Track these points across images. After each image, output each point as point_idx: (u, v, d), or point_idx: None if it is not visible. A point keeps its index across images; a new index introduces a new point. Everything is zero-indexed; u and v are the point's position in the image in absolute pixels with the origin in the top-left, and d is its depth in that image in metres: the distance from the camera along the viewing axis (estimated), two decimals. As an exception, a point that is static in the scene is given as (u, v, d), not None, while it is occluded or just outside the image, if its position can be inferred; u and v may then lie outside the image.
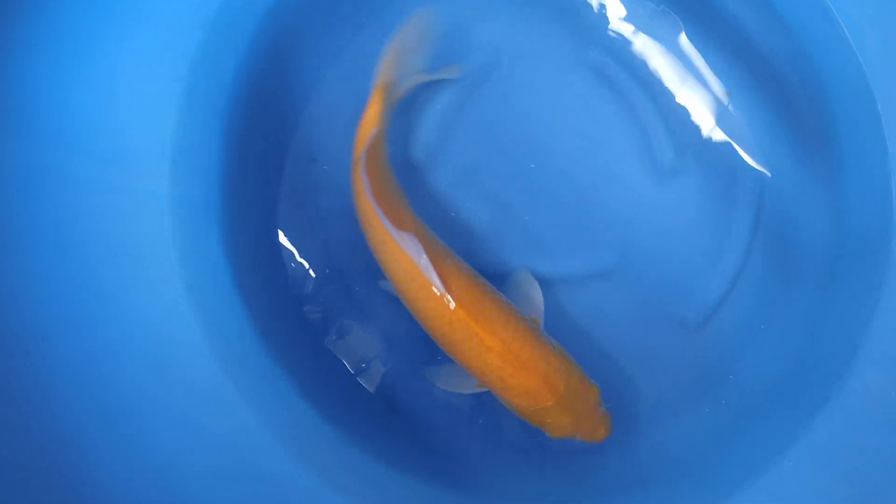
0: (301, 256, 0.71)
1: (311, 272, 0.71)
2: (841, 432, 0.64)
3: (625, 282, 0.73)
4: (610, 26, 0.75)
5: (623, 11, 0.75)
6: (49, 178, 0.60)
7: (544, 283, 0.69)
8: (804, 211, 0.73)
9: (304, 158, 0.70)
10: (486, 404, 0.71)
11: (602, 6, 0.75)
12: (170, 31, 0.62)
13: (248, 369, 0.62)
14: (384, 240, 0.61)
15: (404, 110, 0.72)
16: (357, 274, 0.71)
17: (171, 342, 0.60)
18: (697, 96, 0.75)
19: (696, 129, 0.75)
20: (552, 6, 0.74)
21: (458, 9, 0.73)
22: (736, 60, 0.75)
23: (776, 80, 0.73)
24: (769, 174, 0.75)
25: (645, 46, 0.75)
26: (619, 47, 0.75)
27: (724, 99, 0.75)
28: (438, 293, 0.60)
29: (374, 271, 0.69)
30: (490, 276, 0.66)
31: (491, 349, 0.60)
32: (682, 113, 0.75)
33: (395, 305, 0.70)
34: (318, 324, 0.71)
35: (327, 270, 0.71)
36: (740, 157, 0.75)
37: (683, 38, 0.75)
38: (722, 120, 0.75)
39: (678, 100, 0.75)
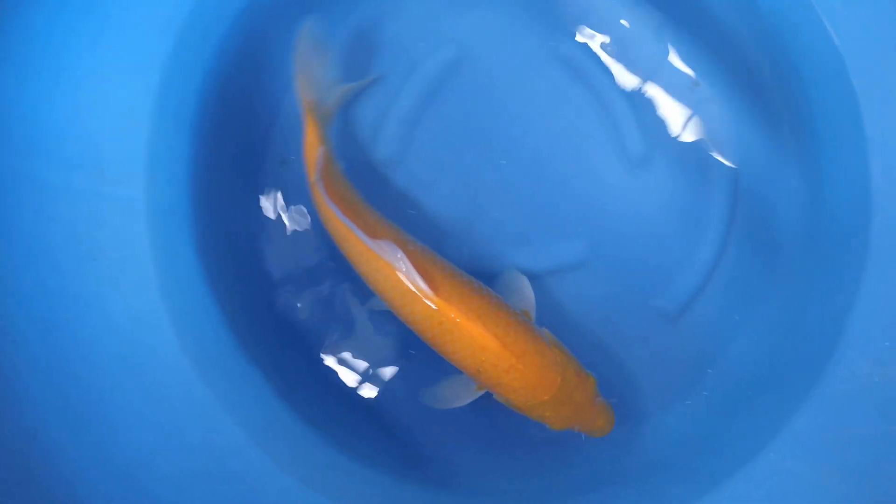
0: (274, 259, 0.71)
1: (284, 274, 0.71)
2: (825, 421, 0.63)
3: (599, 274, 0.73)
4: (578, 18, 0.75)
5: (592, 2, 0.75)
6: (24, 187, 0.60)
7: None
8: (781, 196, 0.73)
9: (276, 161, 0.70)
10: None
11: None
12: (140, 39, 0.62)
13: (222, 371, 0.62)
14: (362, 252, 0.61)
15: (370, 109, 0.72)
16: (329, 275, 0.71)
17: (144, 345, 0.60)
18: (668, 85, 0.75)
19: (667, 118, 0.74)
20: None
21: (423, 4, 0.73)
22: (706, 47, 0.74)
23: (748, 66, 0.73)
24: (743, 161, 0.74)
25: (614, 37, 0.75)
26: (589, 38, 0.74)
27: (695, 87, 0.74)
28: (426, 296, 0.59)
29: (345, 270, 0.70)
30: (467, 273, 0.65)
31: (485, 347, 0.59)
32: (653, 102, 0.75)
33: (371, 302, 0.71)
34: (294, 325, 0.71)
35: (299, 272, 0.71)
36: (713, 144, 0.74)
37: (653, 28, 0.74)
38: (693, 108, 0.75)
39: (648, 89, 0.75)
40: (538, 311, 0.66)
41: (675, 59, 0.75)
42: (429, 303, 0.59)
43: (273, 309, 0.70)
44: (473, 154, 0.73)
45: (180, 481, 0.58)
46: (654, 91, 0.75)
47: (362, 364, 0.71)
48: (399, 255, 0.59)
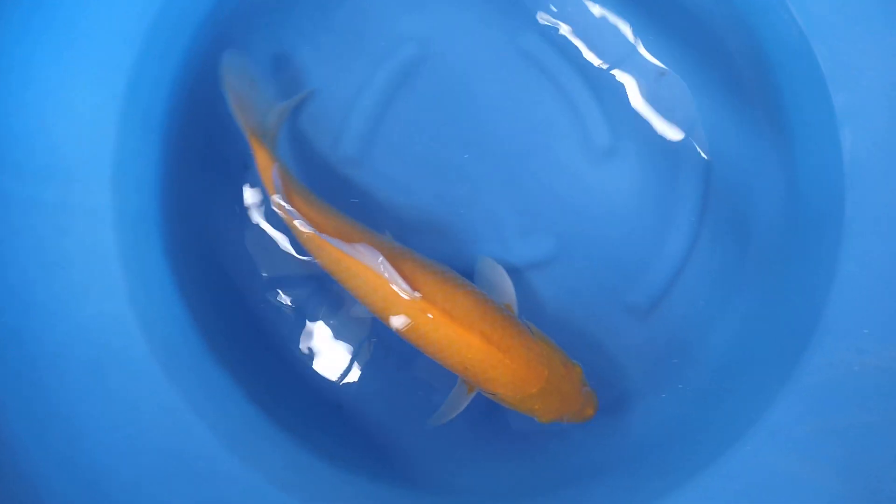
0: (244, 262, 0.72)
1: (254, 278, 0.72)
2: (802, 412, 0.62)
3: (569, 268, 0.72)
4: (541, 9, 0.74)
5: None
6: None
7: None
8: (753, 184, 0.72)
9: (241, 166, 0.70)
10: (440, 399, 0.71)
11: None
12: (105, 49, 0.63)
13: (191, 374, 0.63)
14: (339, 260, 0.61)
15: (333, 109, 0.72)
16: (299, 278, 0.72)
17: (112, 350, 0.61)
18: (634, 75, 0.74)
19: (634, 108, 0.73)
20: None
21: (384, 3, 0.73)
22: (673, 35, 0.73)
23: (716, 53, 0.72)
24: (714, 149, 0.73)
25: (578, 27, 0.74)
26: (552, 30, 0.74)
27: (661, 77, 0.73)
28: (407, 297, 0.59)
29: (314, 273, 0.71)
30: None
31: (471, 344, 0.59)
32: (619, 93, 0.74)
33: (339, 304, 0.71)
34: (264, 329, 0.71)
35: (265, 275, 0.72)
36: (682, 133, 0.73)
37: (618, 17, 0.73)
38: (660, 97, 0.74)
39: (614, 80, 0.74)
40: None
41: (641, 49, 0.74)
42: (411, 302, 0.59)
43: (243, 312, 0.70)
44: (439, 151, 0.73)
45: (147, 483, 0.59)
46: (620, 81, 0.74)
47: (332, 365, 0.71)
48: (378, 258, 0.59)
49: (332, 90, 0.72)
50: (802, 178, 0.68)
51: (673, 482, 0.62)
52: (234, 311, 0.70)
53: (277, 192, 0.62)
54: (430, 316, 0.59)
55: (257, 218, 0.71)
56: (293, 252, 0.71)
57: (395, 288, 0.59)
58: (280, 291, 0.71)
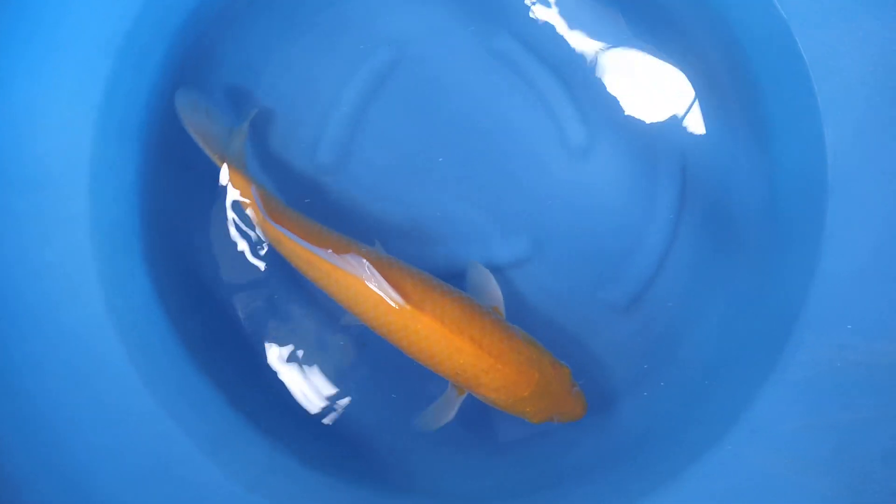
0: (222, 269, 0.72)
1: (232, 284, 0.72)
2: (783, 410, 0.62)
3: (547, 268, 0.72)
4: (514, 10, 0.73)
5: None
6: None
7: (464, 276, 0.68)
8: (732, 179, 0.71)
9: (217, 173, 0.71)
10: (420, 402, 0.70)
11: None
12: (81, 60, 0.64)
13: (169, 380, 0.63)
14: (329, 272, 0.61)
15: (309, 117, 0.72)
16: (277, 284, 0.72)
17: (93, 356, 0.61)
18: (608, 72, 0.73)
19: (609, 106, 0.73)
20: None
21: (358, 4, 0.73)
22: (650, 31, 0.72)
23: (693, 48, 0.71)
24: (691, 145, 0.72)
25: (551, 27, 0.73)
26: (525, 31, 0.73)
27: (636, 73, 0.72)
28: (397, 305, 0.60)
29: (293, 280, 0.71)
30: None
31: (461, 349, 0.60)
32: (594, 91, 0.73)
33: (315, 310, 0.72)
34: (243, 334, 0.71)
35: (247, 282, 0.72)
36: (659, 129, 0.72)
37: (592, 15, 0.73)
38: (635, 94, 0.73)
39: (588, 78, 0.73)
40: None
41: (616, 46, 0.73)
42: (401, 310, 0.60)
43: (221, 318, 0.70)
44: (415, 155, 0.73)
45: (127, 489, 0.60)
46: (594, 79, 0.73)
47: (313, 371, 0.71)
48: (367, 268, 0.60)
49: (305, 97, 0.73)
50: (783, 172, 0.66)
51: (655, 482, 0.62)
52: (213, 317, 0.70)
53: (262, 211, 0.63)
54: (421, 324, 0.60)
55: (239, 225, 0.72)
56: (272, 260, 0.71)
57: (384, 297, 0.60)
58: (258, 297, 0.72)
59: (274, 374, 0.70)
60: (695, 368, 0.68)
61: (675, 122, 0.72)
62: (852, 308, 0.61)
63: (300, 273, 0.64)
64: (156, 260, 0.67)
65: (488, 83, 0.73)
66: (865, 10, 0.62)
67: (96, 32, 0.64)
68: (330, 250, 0.60)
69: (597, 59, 0.73)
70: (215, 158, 0.66)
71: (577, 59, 0.73)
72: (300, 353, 0.71)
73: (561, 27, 0.73)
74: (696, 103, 0.72)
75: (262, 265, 0.71)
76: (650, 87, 0.73)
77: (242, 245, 0.71)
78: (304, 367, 0.71)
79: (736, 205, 0.70)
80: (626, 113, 0.73)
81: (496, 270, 0.71)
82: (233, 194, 0.66)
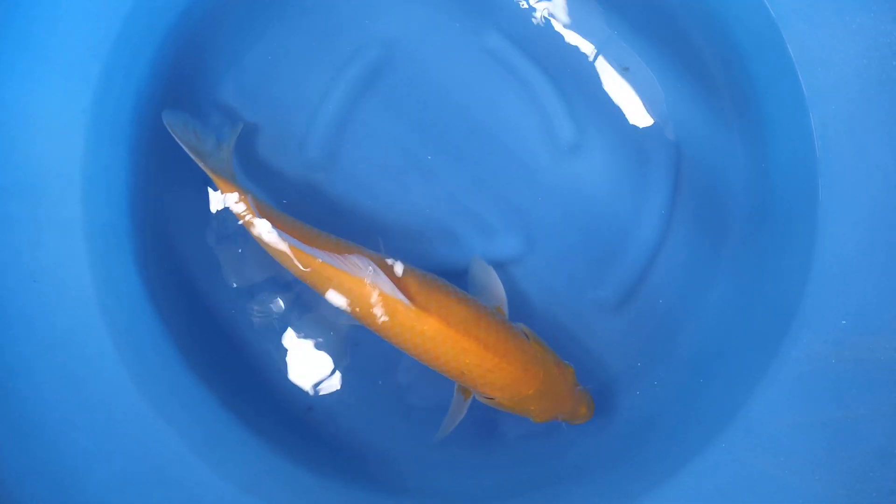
0: (215, 271, 0.72)
1: (225, 287, 0.72)
2: (778, 408, 0.61)
3: (539, 265, 0.72)
4: (504, 8, 0.73)
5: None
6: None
7: (455, 275, 0.68)
8: (724, 175, 0.70)
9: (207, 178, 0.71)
10: (412, 402, 0.70)
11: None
12: (71, 64, 0.64)
13: (162, 382, 0.63)
14: (330, 277, 0.61)
15: (297, 117, 0.72)
16: (269, 286, 0.72)
17: (86, 359, 0.61)
18: (599, 68, 0.72)
19: (600, 102, 0.72)
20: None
21: (347, 3, 0.73)
22: (639, 26, 0.72)
23: (682, 43, 0.71)
24: (683, 141, 0.71)
25: (541, 23, 0.73)
26: (515, 28, 0.73)
27: (624, 72, 0.72)
28: (404, 307, 0.60)
29: (285, 282, 0.71)
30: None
31: (467, 350, 0.60)
32: (585, 87, 0.73)
33: (306, 311, 0.72)
34: (235, 336, 0.71)
35: (234, 286, 0.72)
36: (649, 126, 0.72)
37: (581, 10, 0.72)
38: (626, 91, 0.72)
39: (579, 74, 0.72)
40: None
41: (605, 41, 0.73)
42: (407, 311, 0.60)
43: (214, 320, 0.70)
44: (405, 153, 0.72)
45: (119, 490, 0.60)
46: (585, 75, 0.73)
47: (305, 371, 0.71)
48: (372, 270, 0.60)
49: (294, 97, 0.73)
50: (774, 167, 0.66)
51: (647, 484, 0.61)
52: (205, 319, 0.70)
53: (258, 219, 0.63)
54: (427, 325, 0.60)
55: (231, 228, 0.72)
56: (264, 262, 0.71)
57: (390, 299, 0.60)
58: (251, 299, 0.72)
59: (266, 374, 0.71)
60: (688, 367, 0.68)
61: (666, 118, 0.72)
62: (846, 303, 0.61)
63: (296, 278, 0.64)
64: (148, 262, 0.67)
65: (478, 81, 0.72)
66: (855, 4, 0.61)
67: (86, 36, 0.65)
68: (333, 254, 0.60)
69: (587, 55, 0.73)
70: (209, 174, 0.66)
71: (567, 55, 0.73)
72: (292, 353, 0.71)
73: (551, 23, 0.73)
74: (687, 98, 0.71)
75: (255, 268, 0.72)
76: (641, 83, 0.72)
77: (235, 247, 0.72)
78: (296, 367, 0.71)
79: (729, 201, 0.70)
80: (617, 109, 0.73)
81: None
82: (230, 205, 0.66)
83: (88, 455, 0.60)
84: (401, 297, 0.59)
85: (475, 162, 0.72)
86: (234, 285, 0.72)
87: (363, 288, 0.60)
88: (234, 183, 0.65)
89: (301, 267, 0.62)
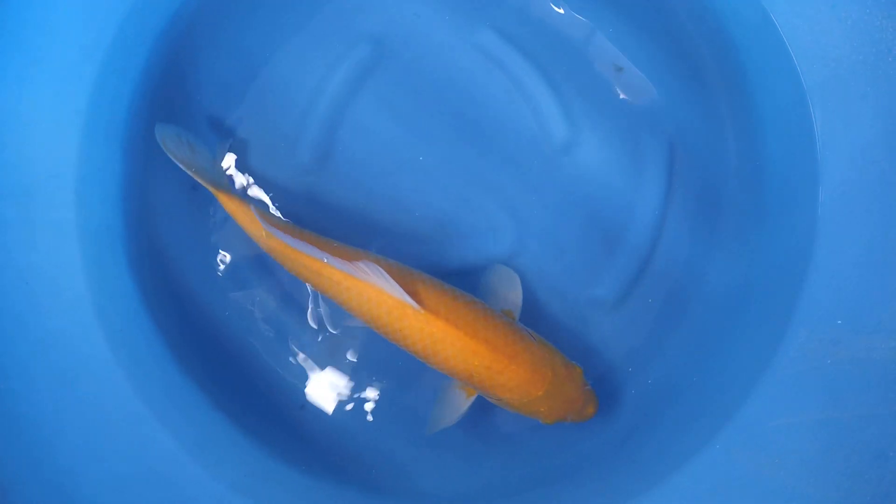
0: (208, 272, 0.72)
1: (218, 288, 0.72)
2: (773, 408, 0.61)
3: (531, 264, 0.71)
4: (496, 4, 0.73)
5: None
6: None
7: (450, 274, 0.67)
8: (721, 169, 0.70)
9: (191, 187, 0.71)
10: (404, 402, 0.70)
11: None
12: (65, 66, 0.64)
13: (156, 382, 0.63)
14: (339, 282, 0.61)
15: (289, 118, 0.72)
16: (263, 287, 0.72)
17: (80, 359, 0.62)
18: (593, 64, 0.72)
19: (594, 97, 0.72)
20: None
21: (339, 1, 0.73)
22: (633, 22, 0.71)
23: (677, 38, 0.70)
24: (678, 137, 0.71)
25: (532, 18, 0.72)
26: (506, 24, 0.72)
27: (618, 72, 0.72)
28: (413, 311, 0.60)
29: (279, 283, 0.71)
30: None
31: (477, 352, 0.60)
32: (578, 82, 0.72)
33: (299, 312, 0.72)
34: (228, 336, 0.71)
35: (230, 284, 0.72)
36: (644, 120, 0.71)
37: (574, 4, 0.72)
38: (619, 87, 0.72)
39: (572, 69, 0.72)
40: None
41: (599, 36, 0.72)
42: (416, 315, 0.60)
43: (207, 321, 0.70)
44: (399, 151, 0.72)
45: (113, 490, 0.60)
46: (579, 71, 0.72)
47: (299, 372, 0.71)
48: (381, 274, 0.60)
49: (287, 97, 0.72)
50: (773, 163, 0.65)
51: (642, 485, 0.61)
52: (198, 320, 0.70)
53: (265, 227, 0.63)
54: (436, 328, 0.60)
55: (224, 229, 0.72)
56: (257, 263, 0.71)
57: (400, 303, 0.60)
58: (244, 300, 0.72)
59: (259, 375, 0.71)
60: (683, 366, 0.67)
61: (660, 113, 0.72)
62: (843, 303, 0.60)
63: (298, 279, 0.64)
64: (142, 263, 0.67)
65: (471, 77, 0.72)
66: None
67: (80, 38, 0.65)
68: (342, 259, 0.61)
69: (580, 49, 0.72)
70: (208, 186, 0.66)
71: (559, 50, 0.72)
72: (285, 355, 0.71)
73: (542, 18, 0.73)
74: (682, 94, 0.71)
75: (249, 269, 0.72)
76: (634, 79, 0.72)
77: (229, 247, 0.72)
78: (290, 368, 0.71)
79: (724, 197, 0.69)
80: (611, 105, 0.72)
81: (482, 267, 0.70)
82: (235, 216, 0.66)
83: (82, 455, 0.61)
84: (409, 301, 0.60)
85: (468, 161, 0.72)
86: (228, 285, 0.72)
87: (372, 293, 0.60)
88: (236, 194, 0.65)
89: (311, 272, 0.62)
